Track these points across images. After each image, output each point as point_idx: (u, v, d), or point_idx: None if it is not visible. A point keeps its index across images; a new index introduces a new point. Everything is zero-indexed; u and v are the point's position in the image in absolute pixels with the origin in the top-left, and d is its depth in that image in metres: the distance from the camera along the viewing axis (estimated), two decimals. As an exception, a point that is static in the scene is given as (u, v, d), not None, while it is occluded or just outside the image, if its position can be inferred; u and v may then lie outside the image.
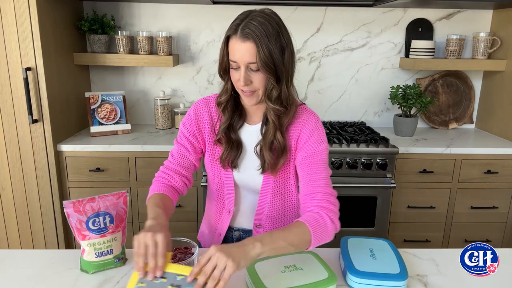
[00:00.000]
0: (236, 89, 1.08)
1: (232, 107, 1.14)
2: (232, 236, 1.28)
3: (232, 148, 1.14)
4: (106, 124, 2.34)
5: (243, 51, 0.98)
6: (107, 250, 1.07)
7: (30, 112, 1.96)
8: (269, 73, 1.00)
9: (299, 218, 1.01)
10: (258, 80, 1.02)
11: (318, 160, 1.10)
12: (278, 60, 1.00)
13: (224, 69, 1.09)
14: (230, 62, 1.03)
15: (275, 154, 1.11)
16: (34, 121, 1.99)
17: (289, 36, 1.05)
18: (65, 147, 2.10)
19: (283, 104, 1.06)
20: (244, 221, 1.27)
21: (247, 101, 1.08)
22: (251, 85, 1.03)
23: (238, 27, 0.99)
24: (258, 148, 1.13)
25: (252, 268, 0.99)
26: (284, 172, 1.16)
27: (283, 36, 1.01)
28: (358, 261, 1.03)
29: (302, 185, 1.11)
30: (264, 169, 1.13)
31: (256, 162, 1.15)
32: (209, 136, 1.18)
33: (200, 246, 1.35)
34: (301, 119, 1.13)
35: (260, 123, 1.15)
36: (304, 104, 1.19)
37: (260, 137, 1.13)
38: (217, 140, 1.15)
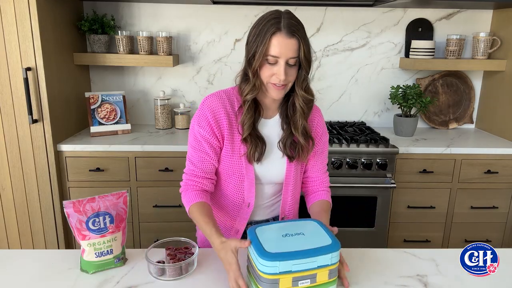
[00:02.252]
0: (265, 83, 1.11)
1: (253, 103, 1.16)
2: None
3: (258, 144, 1.16)
4: (106, 124, 2.34)
5: (288, 47, 1.05)
6: (107, 250, 1.07)
7: (30, 112, 1.96)
8: (307, 66, 1.10)
9: (324, 199, 1.27)
10: (293, 74, 1.10)
11: (326, 151, 1.32)
12: (310, 55, 1.11)
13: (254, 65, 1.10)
14: (268, 57, 1.06)
15: (302, 141, 1.20)
16: (34, 121, 1.99)
17: None
18: (65, 147, 2.10)
19: (308, 93, 1.16)
20: (262, 215, 1.29)
21: (275, 94, 1.12)
22: (286, 78, 1.08)
23: (280, 25, 1.05)
24: (283, 139, 1.20)
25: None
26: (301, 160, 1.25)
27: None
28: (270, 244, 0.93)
29: (313, 171, 1.30)
30: (293, 157, 1.21)
31: (277, 153, 1.21)
32: (228, 133, 1.17)
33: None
34: (313, 110, 1.24)
35: (276, 116, 1.23)
36: None
37: (279, 129, 1.21)
38: (244, 138, 1.16)
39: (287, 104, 1.20)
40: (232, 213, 1.26)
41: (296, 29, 1.06)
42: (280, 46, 1.04)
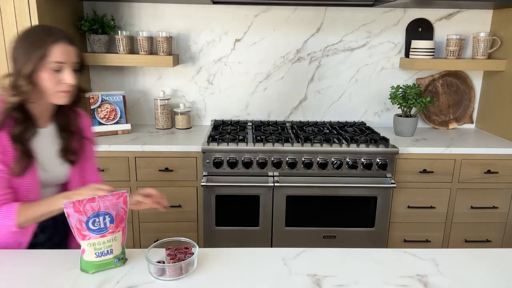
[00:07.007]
0: (52, 92, 1.15)
1: (21, 114, 1.15)
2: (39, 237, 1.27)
3: (21, 158, 1.15)
4: (106, 124, 2.34)
5: (71, 53, 1.15)
6: (107, 250, 1.07)
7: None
8: (83, 70, 1.23)
9: None
10: (76, 78, 1.19)
11: (96, 153, 1.43)
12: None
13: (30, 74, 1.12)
14: (52, 64, 1.12)
15: (79, 143, 1.32)
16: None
17: None
18: (65, 147, 2.10)
19: (84, 94, 1.30)
20: None
21: (63, 101, 1.19)
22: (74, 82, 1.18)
23: (56, 35, 1.13)
24: (63, 147, 1.27)
25: None
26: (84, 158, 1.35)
27: None
28: None
29: (90, 173, 1.38)
30: (74, 162, 1.30)
31: (58, 160, 1.28)
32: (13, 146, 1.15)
33: None
34: (82, 115, 1.37)
35: (50, 125, 1.27)
36: None
37: (55, 137, 1.27)
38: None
39: (60, 111, 1.27)
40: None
41: (72, 38, 1.18)
42: (64, 53, 1.13)
